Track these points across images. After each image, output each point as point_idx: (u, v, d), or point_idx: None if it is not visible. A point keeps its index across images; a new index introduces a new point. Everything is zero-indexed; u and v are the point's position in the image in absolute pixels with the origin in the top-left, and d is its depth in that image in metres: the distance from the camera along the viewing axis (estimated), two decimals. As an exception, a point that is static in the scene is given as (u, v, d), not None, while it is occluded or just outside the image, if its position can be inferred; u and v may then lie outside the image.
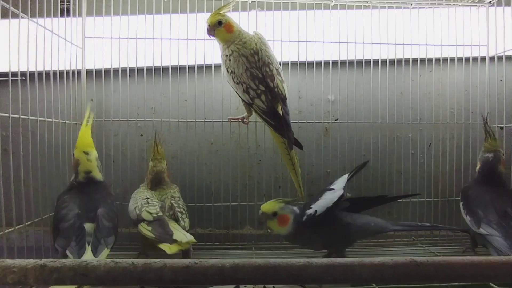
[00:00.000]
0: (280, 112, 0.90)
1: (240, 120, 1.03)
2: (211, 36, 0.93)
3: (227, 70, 0.92)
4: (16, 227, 0.78)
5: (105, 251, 0.72)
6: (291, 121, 0.94)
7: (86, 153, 0.83)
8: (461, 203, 0.95)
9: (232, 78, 0.91)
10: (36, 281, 0.40)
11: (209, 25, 0.91)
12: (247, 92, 0.90)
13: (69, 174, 0.97)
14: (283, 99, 0.92)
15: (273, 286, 0.81)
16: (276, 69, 0.93)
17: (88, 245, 0.72)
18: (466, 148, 1.12)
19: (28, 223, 0.83)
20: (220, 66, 0.96)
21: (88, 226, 0.75)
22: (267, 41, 0.95)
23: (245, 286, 0.81)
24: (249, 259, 0.42)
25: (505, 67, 1.09)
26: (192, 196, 1.07)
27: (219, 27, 0.90)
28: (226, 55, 0.91)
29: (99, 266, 0.40)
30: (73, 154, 0.84)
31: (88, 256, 0.70)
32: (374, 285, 0.76)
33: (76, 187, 0.83)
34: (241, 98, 0.95)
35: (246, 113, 1.00)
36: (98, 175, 0.85)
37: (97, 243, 0.72)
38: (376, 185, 1.11)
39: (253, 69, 0.90)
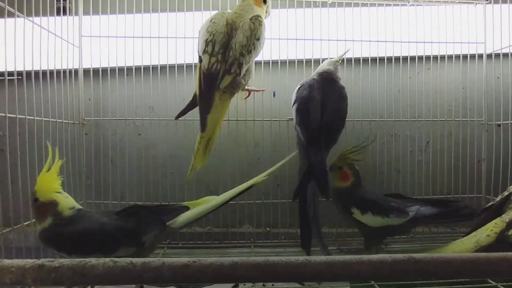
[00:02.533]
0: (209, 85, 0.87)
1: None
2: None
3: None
4: (14, 227, 0.78)
5: None
6: (291, 119, 0.95)
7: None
8: (354, 208, 0.92)
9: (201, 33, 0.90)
10: (34, 281, 0.40)
11: None
12: (199, 48, 0.88)
13: (67, 174, 0.97)
14: (213, 78, 0.87)
15: (272, 284, 0.81)
16: (235, 59, 0.86)
17: None
18: (464, 145, 1.13)
19: (26, 223, 0.82)
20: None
21: None
22: (257, 30, 0.89)
23: (244, 285, 0.81)
24: (248, 257, 0.42)
25: (502, 64, 1.10)
26: (191, 194, 1.07)
27: None
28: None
29: (97, 265, 0.40)
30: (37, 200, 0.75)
31: None
32: (373, 282, 0.76)
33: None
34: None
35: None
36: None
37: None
38: (374, 183, 1.11)
39: (217, 37, 0.86)
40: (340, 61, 1.01)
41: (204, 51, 0.87)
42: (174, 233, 0.78)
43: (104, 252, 0.71)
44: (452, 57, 1.12)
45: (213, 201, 0.82)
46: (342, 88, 0.95)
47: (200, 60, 0.89)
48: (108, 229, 0.73)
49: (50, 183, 0.74)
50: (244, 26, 0.87)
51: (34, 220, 0.84)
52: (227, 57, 0.87)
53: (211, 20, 0.90)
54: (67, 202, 0.75)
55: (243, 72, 0.88)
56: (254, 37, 0.87)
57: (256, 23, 0.88)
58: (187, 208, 0.80)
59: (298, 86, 0.95)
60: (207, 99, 0.87)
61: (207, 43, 0.87)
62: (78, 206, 0.76)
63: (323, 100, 0.90)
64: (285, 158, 0.93)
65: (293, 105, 0.94)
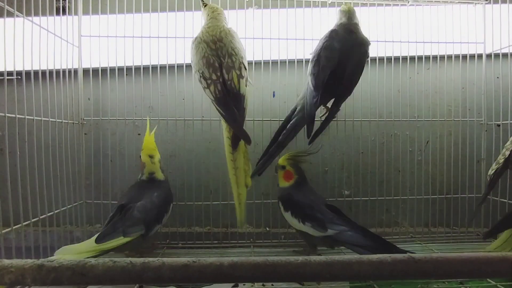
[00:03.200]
0: (230, 104, 0.85)
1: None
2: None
3: (191, 58, 0.91)
4: (14, 227, 0.78)
5: (117, 240, 0.76)
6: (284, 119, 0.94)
7: (151, 156, 0.93)
8: (288, 213, 0.90)
9: (192, 66, 0.90)
10: (33, 281, 0.40)
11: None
12: (200, 81, 0.89)
13: (67, 174, 0.97)
14: (236, 94, 0.86)
15: (272, 284, 0.81)
16: (240, 63, 0.88)
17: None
18: (463, 145, 1.13)
19: (26, 223, 0.82)
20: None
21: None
22: (238, 37, 0.93)
23: (244, 284, 0.81)
24: (247, 257, 0.41)
25: (502, 64, 1.10)
26: (190, 195, 1.07)
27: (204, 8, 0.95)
28: (192, 42, 0.91)
29: (97, 265, 0.40)
30: (140, 156, 0.95)
31: (90, 241, 0.75)
32: (371, 282, 0.76)
33: (139, 183, 0.94)
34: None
35: None
36: (160, 175, 0.95)
37: (109, 231, 0.77)
38: (374, 183, 1.11)
39: (211, 57, 0.87)
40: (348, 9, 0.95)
41: (203, 88, 0.88)
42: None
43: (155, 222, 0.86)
44: (452, 57, 1.12)
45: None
46: (362, 40, 0.92)
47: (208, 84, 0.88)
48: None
49: (146, 145, 0.93)
50: (231, 33, 0.91)
51: (32, 220, 0.84)
52: (231, 63, 0.87)
53: (195, 47, 0.89)
54: (151, 167, 0.95)
55: (246, 75, 0.90)
56: (239, 43, 0.92)
57: (232, 32, 0.92)
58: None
59: (320, 39, 0.94)
60: (242, 112, 0.87)
61: (210, 66, 0.87)
62: (159, 175, 0.96)
63: (341, 50, 0.89)
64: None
65: (311, 58, 0.93)
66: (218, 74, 0.86)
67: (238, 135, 0.87)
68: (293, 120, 0.91)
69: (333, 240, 0.84)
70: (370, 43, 0.94)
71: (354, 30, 0.93)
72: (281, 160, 0.95)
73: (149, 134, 0.94)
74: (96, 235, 0.76)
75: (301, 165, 0.95)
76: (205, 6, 0.96)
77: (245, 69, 0.90)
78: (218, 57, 0.87)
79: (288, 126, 0.90)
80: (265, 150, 0.94)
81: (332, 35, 0.92)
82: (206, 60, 0.87)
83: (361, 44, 0.92)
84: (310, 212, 0.86)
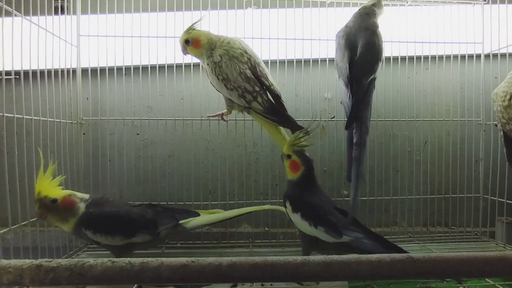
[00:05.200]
0: (279, 107, 0.89)
1: (219, 118, 1.00)
2: (186, 55, 0.94)
3: (218, 78, 0.87)
4: (12, 227, 0.78)
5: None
6: None
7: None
8: (298, 214, 0.81)
9: (225, 84, 0.88)
10: (31, 281, 0.40)
11: (181, 45, 0.91)
12: (242, 97, 0.87)
13: (65, 173, 0.97)
14: (277, 96, 0.91)
15: (271, 284, 0.81)
16: (266, 67, 0.92)
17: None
18: (462, 145, 1.13)
19: (24, 223, 0.82)
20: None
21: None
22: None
23: (243, 284, 0.81)
24: (246, 257, 0.41)
25: (500, 64, 1.10)
26: (189, 194, 1.07)
27: (188, 46, 0.90)
28: (215, 62, 0.87)
29: (95, 266, 0.40)
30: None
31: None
32: (370, 282, 0.76)
33: None
34: (227, 99, 0.92)
35: (225, 110, 0.96)
36: None
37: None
38: (372, 183, 1.11)
39: (247, 70, 0.87)
40: None
41: (248, 102, 0.88)
42: (184, 233, 0.91)
43: (126, 234, 0.80)
44: (450, 57, 1.12)
45: (221, 214, 0.93)
46: (374, 23, 0.91)
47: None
48: (132, 213, 0.83)
49: (53, 183, 0.78)
50: (243, 42, 0.93)
51: (31, 220, 0.83)
52: (263, 69, 0.90)
53: (227, 65, 0.87)
54: (79, 193, 0.82)
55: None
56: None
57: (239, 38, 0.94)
58: (197, 214, 0.90)
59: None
60: (285, 109, 0.91)
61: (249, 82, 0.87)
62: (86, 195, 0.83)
63: (357, 34, 0.89)
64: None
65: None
66: (258, 84, 0.88)
67: (297, 130, 0.88)
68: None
69: (347, 247, 0.76)
70: (377, 26, 0.92)
71: (369, 13, 0.92)
72: (285, 148, 0.84)
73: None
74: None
75: (307, 154, 0.84)
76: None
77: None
78: (252, 68, 0.88)
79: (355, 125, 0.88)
80: (347, 159, 0.88)
81: (340, 34, 0.92)
82: (244, 75, 0.87)
83: (367, 27, 0.90)
84: (323, 215, 0.78)
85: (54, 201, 0.75)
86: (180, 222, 0.85)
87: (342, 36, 0.91)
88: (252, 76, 0.88)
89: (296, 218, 0.81)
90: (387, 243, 0.77)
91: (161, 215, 0.85)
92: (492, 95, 0.93)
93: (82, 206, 0.78)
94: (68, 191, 0.79)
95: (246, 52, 0.89)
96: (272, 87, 0.90)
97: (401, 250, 0.75)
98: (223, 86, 0.88)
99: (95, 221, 0.78)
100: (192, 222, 0.87)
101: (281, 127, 0.93)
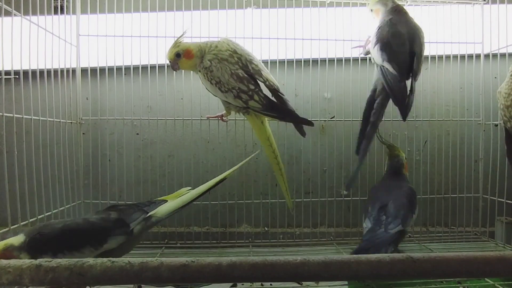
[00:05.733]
0: (278, 101, 0.89)
1: (219, 118, 1.00)
2: (177, 71, 0.93)
3: (211, 83, 0.88)
4: (11, 227, 0.78)
5: None
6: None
7: None
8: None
9: (219, 88, 0.87)
10: (31, 281, 0.40)
11: (170, 62, 0.90)
12: (238, 97, 0.87)
13: (64, 173, 0.97)
14: (275, 90, 0.90)
15: (271, 284, 0.81)
16: (259, 61, 0.91)
17: None
18: (462, 145, 1.13)
19: (24, 223, 0.82)
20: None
21: None
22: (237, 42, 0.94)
23: (243, 284, 0.81)
24: (246, 257, 0.41)
25: (500, 64, 1.10)
26: (189, 194, 1.07)
27: (180, 59, 0.89)
28: (206, 68, 0.87)
29: (95, 265, 0.40)
30: None
31: None
32: (370, 282, 0.76)
33: None
34: (225, 101, 0.92)
35: (225, 111, 0.96)
36: None
37: None
38: (372, 183, 1.11)
39: (238, 70, 0.87)
40: None
41: (245, 101, 0.87)
42: (158, 222, 0.82)
43: (95, 244, 0.72)
44: (450, 57, 1.12)
45: (188, 193, 0.86)
46: (412, 18, 0.95)
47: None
48: (93, 221, 0.75)
49: None
50: (233, 42, 0.92)
51: (30, 220, 0.83)
52: (256, 66, 0.89)
53: (217, 69, 0.87)
54: (12, 239, 0.69)
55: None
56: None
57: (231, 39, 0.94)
58: (165, 201, 0.84)
59: (377, 28, 0.94)
60: (286, 103, 0.91)
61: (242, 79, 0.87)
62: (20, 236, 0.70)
63: (407, 34, 0.91)
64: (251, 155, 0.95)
65: (374, 46, 0.94)
66: (253, 82, 0.87)
67: (299, 123, 0.91)
68: (379, 99, 0.92)
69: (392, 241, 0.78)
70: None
71: (405, 11, 0.95)
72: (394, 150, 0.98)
73: None
74: None
75: (395, 159, 0.98)
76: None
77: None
78: (244, 67, 0.88)
79: (375, 106, 0.92)
80: (359, 134, 0.93)
81: (393, 22, 0.93)
82: (236, 76, 0.87)
83: (419, 29, 0.94)
84: (367, 204, 0.89)
85: None
86: (150, 213, 0.79)
87: (398, 23, 0.91)
88: (245, 75, 0.87)
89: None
90: None
91: (127, 212, 0.79)
92: (496, 93, 0.95)
93: (22, 251, 0.67)
94: (2, 244, 0.67)
95: (235, 52, 0.88)
96: (268, 82, 0.89)
97: None
98: (217, 89, 0.88)
99: (46, 243, 0.69)
100: (162, 209, 0.81)
101: (267, 130, 0.93)
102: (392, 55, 0.89)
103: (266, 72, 0.91)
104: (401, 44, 0.90)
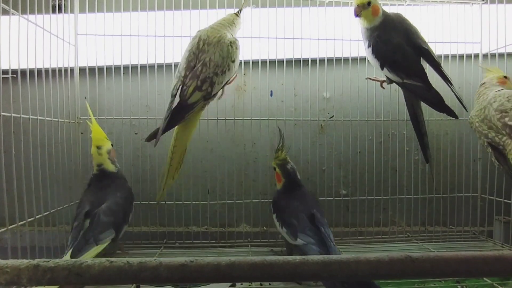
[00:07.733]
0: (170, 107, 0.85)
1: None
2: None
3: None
4: (9, 227, 0.77)
5: (93, 250, 0.72)
6: (287, 119, 1.00)
7: (98, 147, 0.89)
8: (274, 215, 0.90)
9: (380, 62, 0.93)
10: (29, 281, 0.39)
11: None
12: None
13: (63, 173, 0.96)
14: (182, 101, 0.84)
15: (270, 284, 0.81)
16: (207, 78, 0.83)
17: (70, 248, 0.72)
18: (460, 144, 1.13)
19: (21, 223, 0.81)
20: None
21: (87, 224, 0.78)
22: (235, 53, 0.89)
23: (242, 284, 0.81)
24: (245, 257, 0.41)
25: (498, 64, 1.10)
26: (188, 194, 1.07)
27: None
28: (380, 37, 0.90)
29: (93, 266, 0.40)
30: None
31: (66, 257, 0.69)
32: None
33: (93, 180, 0.90)
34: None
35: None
36: (109, 166, 0.90)
37: (82, 243, 0.73)
38: (371, 182, 1.11)
39: (192, 55, 0.85)
40: None
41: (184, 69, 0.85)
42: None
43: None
44: (449, 56, 1.12)
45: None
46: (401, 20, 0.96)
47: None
48: None
49: (93, 135, 0.88)
50: (220, 45, 0.85)
51: (28, 220, 0.83)
52: (198, 72, 0.84)
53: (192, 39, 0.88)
54: (97, 159, 0.89)
55: (214, 92, 0.85)
56: (230, 59, 0.86)
57: (233, 46, 0.87)
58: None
59: (371, 47, 0.93)
60: (177, 114, 0.85)
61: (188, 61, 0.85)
62: (108, 166, 0.90)
63: (403, 38, 0.92)
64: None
65: (382, 69, 0.95)
66: (184, 75, 0.84)
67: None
68: (418, 112, 1.00)
69: (300, 251, 0.78)
70: None
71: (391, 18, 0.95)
72: (273, 161, 0.95)
73: (94, 123, 0.90)
74: (69, 250, 0.71)
75: (288, 166, 0.92)
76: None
77: (212, 85, 0.84)
78: (195, 59, 0.85)
79: (418, 119, 0.99)
80: (421, 146, 1.01)
81: (382, 37, 0.92)
82: (188, 57, 0.85)
83: (410, 25, 0.96)
84: (287, 218, 0.84)
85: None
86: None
87: (388, 33, 0.91)
88: (191, 65, 0.85)
89: (274, 218, 0.90)
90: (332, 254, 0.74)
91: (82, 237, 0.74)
92: (468, 123, 0.95)
93: None
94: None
95: (209, 45, 0.86)
96: (185, 88, 0.84)
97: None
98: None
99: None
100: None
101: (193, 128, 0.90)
102: (406, 69, 0.90)
103: (198, 87, 0.84)
104: (405, 55, 0.90)
